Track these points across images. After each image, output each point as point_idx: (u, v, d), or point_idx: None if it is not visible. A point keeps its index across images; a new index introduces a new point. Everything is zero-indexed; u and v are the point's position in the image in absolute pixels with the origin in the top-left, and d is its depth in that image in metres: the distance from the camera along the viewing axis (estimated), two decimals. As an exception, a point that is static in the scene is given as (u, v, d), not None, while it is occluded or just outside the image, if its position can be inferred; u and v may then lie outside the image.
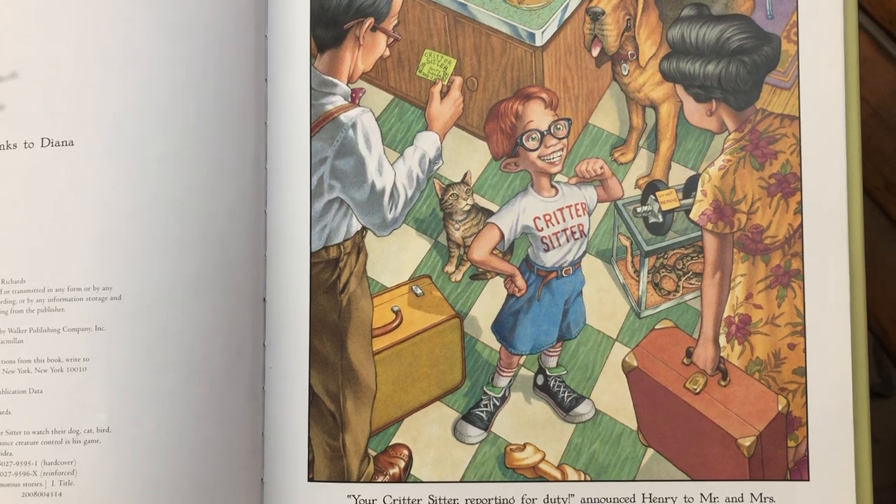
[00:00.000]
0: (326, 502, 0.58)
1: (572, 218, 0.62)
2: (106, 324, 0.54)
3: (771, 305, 0.59)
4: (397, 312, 0.61)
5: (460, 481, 0.59)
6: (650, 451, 0.59)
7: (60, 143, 0.55)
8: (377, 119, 0.61)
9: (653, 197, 0.62)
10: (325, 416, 0.59)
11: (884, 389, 0.75)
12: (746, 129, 0.60)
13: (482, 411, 0.60)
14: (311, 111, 0.60)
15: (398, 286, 0.61)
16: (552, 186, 0.62)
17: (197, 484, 0.55)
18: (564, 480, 0.59)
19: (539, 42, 0.62)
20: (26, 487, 0.54)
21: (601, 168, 0.61)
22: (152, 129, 0.56)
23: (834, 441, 0.57)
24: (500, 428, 0.60)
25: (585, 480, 0.59)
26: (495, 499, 0.59)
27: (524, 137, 0.61)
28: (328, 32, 0.60)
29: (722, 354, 0.60)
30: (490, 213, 0.62)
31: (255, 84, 0.59)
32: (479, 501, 0.59)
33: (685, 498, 0.58)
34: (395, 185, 0.61)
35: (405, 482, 0.59)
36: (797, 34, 0.60)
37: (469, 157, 0.62)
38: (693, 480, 0.58)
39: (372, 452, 0.59)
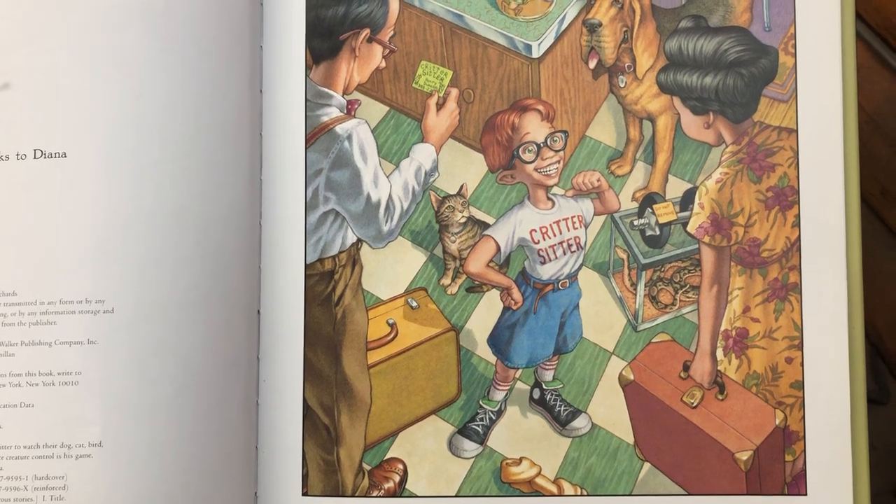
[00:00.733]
0: (320, 517, 0.58)
1: (569, 230, 0.62)
2: (98, 337, 0.54)
3: (768, 319, 0.59)
4: (392, 325, 0.61)
5: (456, 496, 0.59)
6: (647, 466, 0.59)
7: (53, 155, 0.55)
8: (373, 131, 0.61)
9: (650, 210, 0.61)
10: (320, 430, 0.58)
11: (880, 396, 0.75)
12: (744, 141, 0.60)
13: (478, 425, 0.60)
14: (306, 122, 0.59)
15: (393, 299, 0.61)
16: (549, 199, 0.62)
17: (190, 498, 0.54)
18: (561, 495, 0.59)
19: (536, 54, 0.62)
20: (17, 503, 0.53)
21: (598, 180, 0.61)
22: (146, 141, 0.55)
23: (831, 456, 0.57)
24: (495, 442, 0.60)
25: (582, 495, 0.59)
26: (491, 513, 0.58)
27: (521, 150, 0.61)
28: (324, 43, 0.60)
29: (719, 368, 0.60)
30: (486, 226, 0.62)
31: (250, 95, 0.58)
32: (474, 516, 0.58)
33: (682, 513, 0.58)
34: (390, 197, 0.60)
35: (400, 497, 0.59)
36: (795, 47, 0.59)
37: (465, 169, 0.61)
38: (690, 495, 0.58)
39: (367, 466, 0.59)
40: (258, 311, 0.58)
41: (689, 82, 0.60)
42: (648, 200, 0.61)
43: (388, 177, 0.60)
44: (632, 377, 0.60)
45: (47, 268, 0.55)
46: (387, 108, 0.62)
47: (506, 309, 0.61)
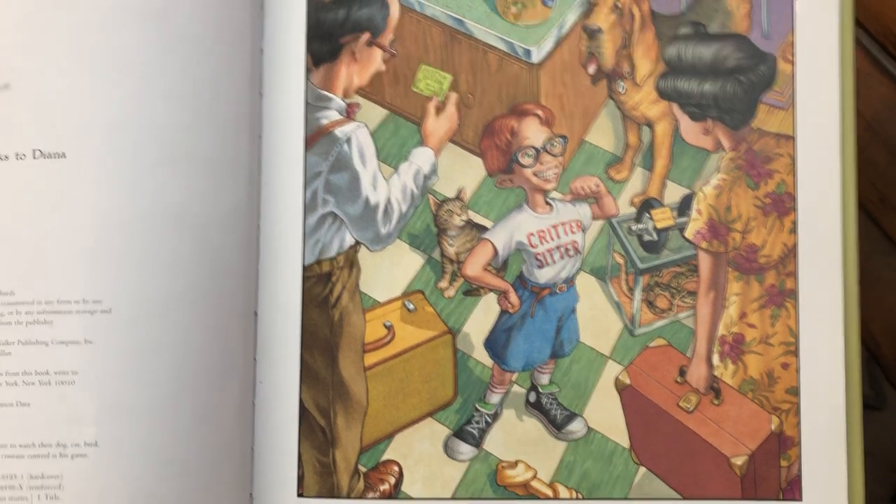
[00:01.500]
0: (316, 519, 0.58)
1: (567, 235, 0.62)
2: (95, 337, 0.54)
3: (765, 325, 0.59)
4: (389, 328, 0.61)
5: (451, 498, 0.59)
6: (642, 470, 0.59)
7: (52, 156, 0.55)
8: (372, 134, 0.61)
9: (647, 215, 0.61)
10: (316, 432, 0.59)
11: (876, 402, 0.75)
12: (742, 148, 0.60)
13: (474, 428, 0.60)
14: (305, 125, 0.59)
15: (391, 301, 0.61)
16: (547, 203, 0.62)
17: (185, 499, 0.54)
18: (556, 498, 0.59)
19: (535, 59, 0.62)
20: (12, 502, 0.53)
21: (596, 185, 0.61)
22: (145, 142, 0.55)
23: (827, 461, 0.57)
24: (491, 445, 0.60)
25: (577, 499, 0.59)
26: (486, 517, 0.58)
27: (519, 154, 0.61)
28: (324, 47, 0.60)
29: (715, 373, 0.60)
30: (484, 229, 0.62)
31: (250, 97, 0.58)
32: (469, 519, 0.58)
33: (677, 518, 0.58)
34: (389, 200, 0.60)
35: (395, 499, 0.59)
36: (793, 54, 0.60)
37: (464, 173, 0.61)
38: (685, 499, 0.58)
39: (362, 468, 0.59)
40: (255, 313, 0.58)
41: (687, 88, 0.61)
42: (646, 206, 0.62)
43: (386, 180, 0.61)
44: (628, 381, 0.60)
45: (45, 267, 0.55)
46: (386, 112, 0.62)
47: (503, 312, 0.61)
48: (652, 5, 0.62)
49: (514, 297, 0.61)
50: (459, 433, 0.60)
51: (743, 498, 0.58)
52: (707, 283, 0.60)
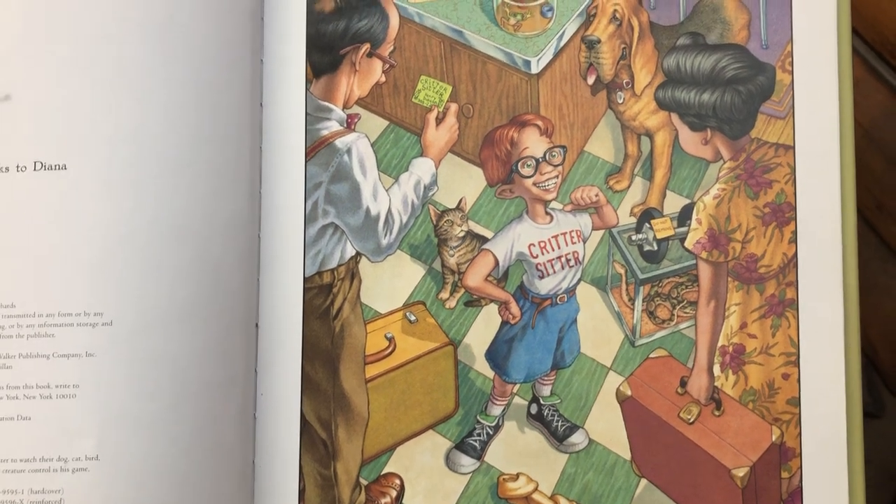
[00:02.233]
0: (317, 531, 0.58)
1: (567, 245, 0.62)
2: (96, 350, 0.54)
3: (765, 335, 0.59)
4: (391, 339, 0.61)
5: (452, 510, 0.59)
6: (643, 482, 0.59)
7: (53, 167, 0.55)
8: (372, 145, 0.61)
9: (648, 225, 0.62)
10: (317, 444, 0.58)
11: (875, 409, 0.75)
12: (741, 158, 0.60)
13: (475, 440, 0.60)
14: (306, 136, 0.60)
15: (392, 312, 0.61)
16: (547, 213, 0.62)
17: (186, 512, 0.54)
18: (557, 510, 0.59)
19: (535, 69, 0.62)
20: (12, 516, 0.53)
21: (596, 196, 0.61)
22: (146, 154, 0.55)
23: (828, 472, 0.57)
24: (493, 457, 0.59)
25: (578, 510, 0.59)
26: (488, 529, 0.58)
27: (519, 164, 0.61)
28: (324, 58, 0.60)
29: (716, 384, 0.60)
30: (485, 240, 0.62)
31: (250, 108, 0.58)
32: (471, 531, 0.58)
33: (679, 529, 0.58)
34: (389, 210, 0.60)
35: (397, 511, 0.58)
36: (792, 64, 0.60)
37: (464, 183, 0.61)
38: (686, 510, 0.58)
39: (363, 481, 0.59)
40: (256, 325, 0.58)
41: (686, 99, 0.61)
42: (646, 216, 0.62)
43: (387, 190, 0.61)
44: (629, 393, 0.60)
45: (46, 280, 0.54)
46: (386, 123, 0.62)
47: (504, 323, 0.61)
48: (651, 16, 0.62)
49: (515, 308, 0.61)
50: (461, 445, 0.60)
51: (744, 508, 0.58)
52: (707, 292, 0.60)
